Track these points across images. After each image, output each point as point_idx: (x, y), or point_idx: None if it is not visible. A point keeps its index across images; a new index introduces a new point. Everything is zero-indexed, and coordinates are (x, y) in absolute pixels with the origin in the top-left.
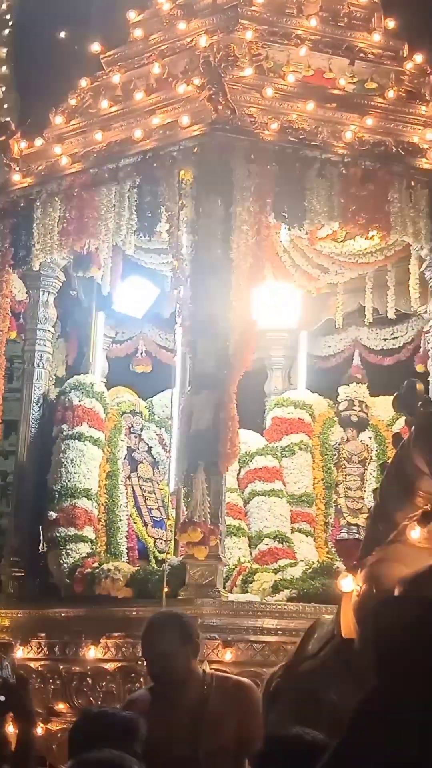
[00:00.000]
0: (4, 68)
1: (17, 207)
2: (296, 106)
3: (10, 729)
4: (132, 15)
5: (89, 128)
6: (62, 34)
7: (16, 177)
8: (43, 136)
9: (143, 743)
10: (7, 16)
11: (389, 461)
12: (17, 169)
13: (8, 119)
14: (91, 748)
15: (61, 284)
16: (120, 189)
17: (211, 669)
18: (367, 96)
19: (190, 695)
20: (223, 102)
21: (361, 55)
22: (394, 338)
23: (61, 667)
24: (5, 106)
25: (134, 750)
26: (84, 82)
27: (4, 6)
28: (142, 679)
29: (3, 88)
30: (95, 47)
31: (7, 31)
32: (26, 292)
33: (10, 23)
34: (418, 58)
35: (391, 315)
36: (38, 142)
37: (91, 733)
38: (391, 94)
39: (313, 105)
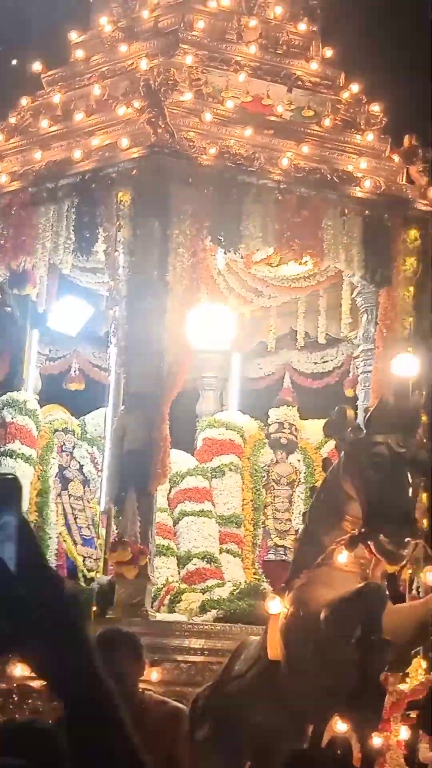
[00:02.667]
0: None
1: None
2: (234, 132)
3: None
4: (74, 36)
5: (29, 147)
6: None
7: None
8: None
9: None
10: None
11: (318, 485)
12: None
13: None
14: None
15: None
16: (58, 208)
17: (142, 689)
18: (303, 123)
19: (130, 712)
20: (163, 125)
21: (299, 83)
22: (324, 362)
23: None
24: None
25: None
26: (24, 101)
27: None
28: None
29: None
30: (36, 66)
31: None
32: None
33: None
34: (354, 87)
35: (321, 339)
36: None
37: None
38: (327, 122)
39: (250, 131)
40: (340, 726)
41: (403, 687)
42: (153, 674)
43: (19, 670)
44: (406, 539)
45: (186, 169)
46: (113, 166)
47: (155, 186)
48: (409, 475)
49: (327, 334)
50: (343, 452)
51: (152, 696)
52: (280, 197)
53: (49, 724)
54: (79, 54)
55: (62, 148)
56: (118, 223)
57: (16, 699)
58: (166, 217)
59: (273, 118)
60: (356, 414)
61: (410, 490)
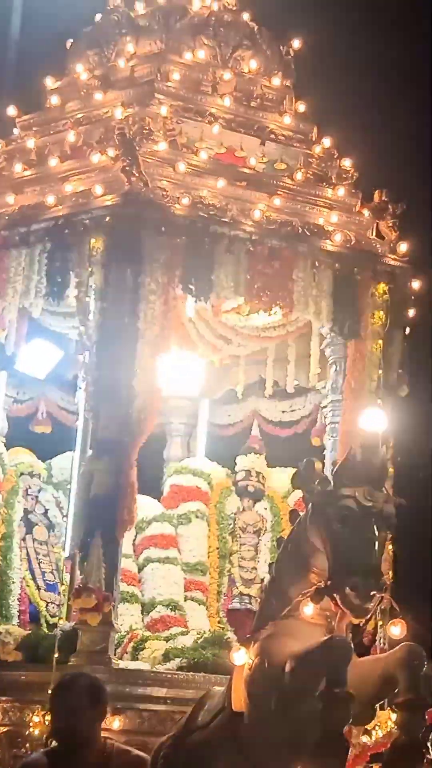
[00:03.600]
0: None
1: None
2: (207, 183)
3: None
4: (49, 82)
5: (2, 191)
6: None
7: None
8: None
9: None
10: None
11: (285, 536)
12: None
13: None
14: None
15: None
16: (30, 252)
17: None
18: (276, 176)
19: (90, 761)
20: (137, 174)
21: (272, 136)
22: (292, 411)
23: None
24: None
25: None
26: None
27: None
28: (27, 745)
29: None
30: (10, 110)
31: None
32: None
33: None
34: (327, 141)
35: (290, 389)
36: None
37: None
38: (299, 175)
39: (223, 182)
40: None
41: (366, 740)
42: (115, 722)
43: None
44: (372, 592)
45: (159, 218)
46: (86, 213)
47: (128, 233)
48: (375, 529)
49: (295, 383)
50: (310, 504)
51: (114, 744)
52: (251, 248)
53: None
54: (55, 100)
55: (35, 193)
56: (90, 269)
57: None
58: (139, 264)
59: (246, 170)
60: (323, 465)
61: (377, 544)
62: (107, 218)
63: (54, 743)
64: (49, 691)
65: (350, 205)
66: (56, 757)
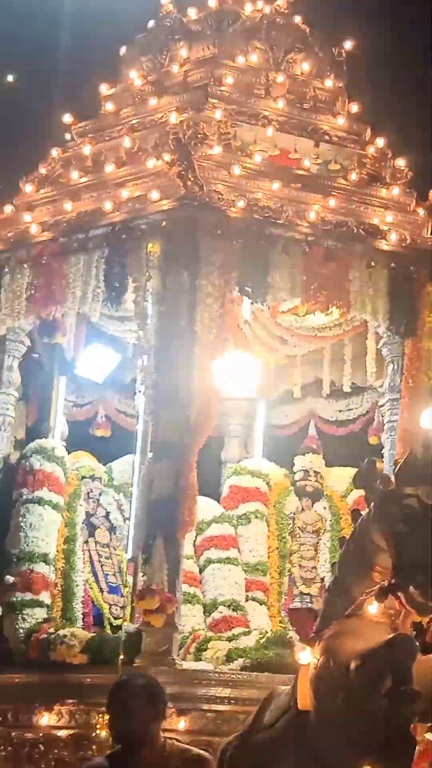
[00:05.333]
0: None
1: None
2: (262, 185)
3: None
4: (104, 89)
5: (59, 197)
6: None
7: None
8: (13, 204)
9: None
10: None
11: (347, 536)
12: None
13: None
14: None
15: (25, 349)
16: (88, 258)
17: (165, 737)
18: (330, 177)
19: (150, 760)
20: (192, 178)
21: (326, 137)
22: (349, 410)
23: (13, 733)
24: None
25: None
26: (55, 152)
27: None
28: (94, 747)
29: None
30: (66, 118)
31: None
32: None
33: None
34: (380, 142)
35: (347, 388)
36: (8, 209)
37: None
38: (353, 176)
39: (278, 184)
40: None
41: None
42: (180, 723)
43: (46, 719)
44: None
45: (215, 221)
46: (143, 218)
47: (184, 237)
48: None
49: (352, 382)
50: (372, 504)
51: (174, 744)
52: (307, 249)
53: None
54: (109, 107)
55: (92, 199)
56: (147, 273)
57: (42, 749)
58: (195, 268)
59: (300, 172)
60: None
61: None
62: (164, 223)
63: (116, 745)
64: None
65: (405, 204)
66: (117, 759)
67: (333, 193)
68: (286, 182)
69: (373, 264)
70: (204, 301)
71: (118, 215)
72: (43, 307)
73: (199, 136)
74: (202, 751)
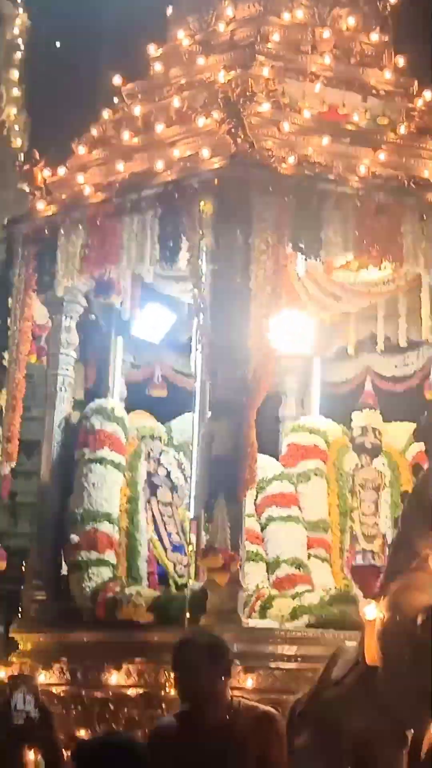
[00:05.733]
0: (15, 90)
1: (41, 234)
2: (312, 141)
3: (31, 758)
4: (152, 49)
5: (111, 159)
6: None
7: (40, 205)
8: (66, 166)
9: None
10: (19, 40)
11: (410, 491)
12: (41, 197)
13: (32, 149)
14: None
15: (82, 310)
16: (142, 219)
17: (233, 695)
18: (379, 131)
19: (217, 718)
20: (242, 136)
21: (373, 91)
22: (405, 365)
23: (83, 692)
24: (16, 128)
25: None
26: (106, 114)
27: (15, 30)
28: (164, 705)
29: (14, 110)
30: (116, 79)
31: (18, 54)
32: (49, 317)
33: (22, 47)
34: (428, 94)
35: (402, 343)
36: (61, 170)
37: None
38: (402, 129)
39: (328, 139)
40: None
41: None
42: (248, 681)
43: (115, 678)
44: None
45: (266, 179)
46: (195, 176)
47: (236, 195)
48: None
49: (407, 337)
50: None
51: (242, 701)
52: (358, 204)
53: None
54: (158, 67)
55: (144, 160)
56: (200, 232)
57: (112, 708)
58: (248, 225)
59: (349, 127)
60: None
61: None
62: (215, 181)
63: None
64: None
65: None
66: (186, 717)
67: (382, 146)
68: (336, 137)
69: (425, 217)
70: (257, 258)
71: (170, 175)
72: (98, 267)
73: (247, 93)
74: (269, 708)
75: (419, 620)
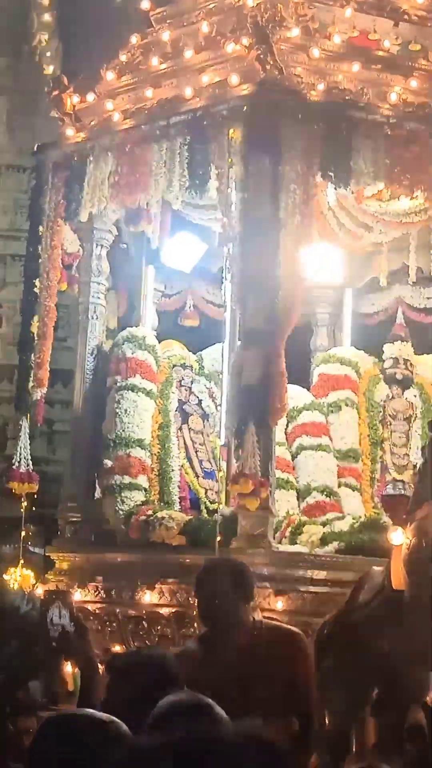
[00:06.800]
0: (46, 16)
1: (70, 161)
2: (342, 67)
3: (68, 669)
4: None
5: (140, 85)
6: None
7: (69, 131)
8: (95, 92)
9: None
10: None
11: None
12: (70, 123)
13: (61, 74)
14: (134, 695)
15: (113, 238)
16: (171, 146)
17: (262, 617)
18: (411, 58)
19: (240, 640)
20: (271, 62)
21: (405, 17)
22: None
23: (118, 610)
24: (47, 54)
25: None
26: (134, 39)
27: None
28: (196, 624)
29: (45, 35)
30: (144, 4)
31: None
32: (80, 245)
33: None
34: None
35: None
36: (90, 97)
37: (133, 679)
38: None
39: (358, 66)
40: None
41: None
42: (278, 603)
43: (148, 597)
44: None
45: (295, 106)
46: (224, 103)
47: (265, 122)
48: None
49: None
50: None
51: (264, 623)
52: (389, 132)
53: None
54: None
55: (173, 86)
56: (229, 160)
57: (145, 625)
58: (277, 153)
59: (380, 53)
60: None
61: None
62: (244, 107)
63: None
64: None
65: None
66: (207, 641)
67: (414, 74)
68: (366, 64)
69: None
70: (287, 187)
71: (199, 101)
72: (127, 194)
73: (276, 18)
74: (293, 628)
75: None
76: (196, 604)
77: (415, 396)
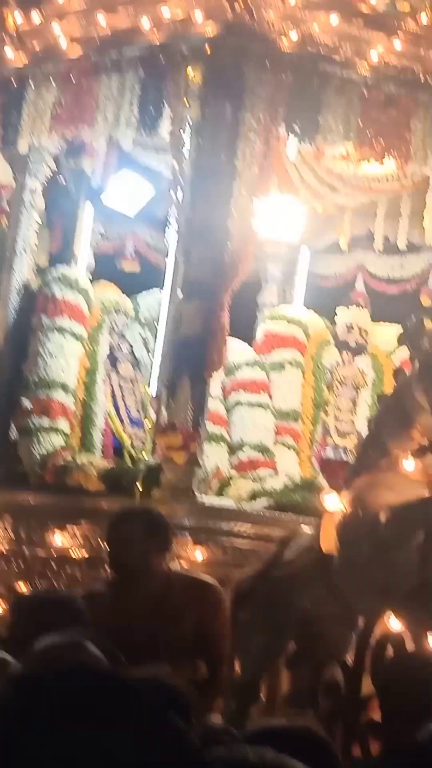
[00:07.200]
0: None
1: (8, 85)
2: (319, 18)
3: None
4: None
5: (92, 9)
6: None
7: (9, 53)
8: (42, 12)
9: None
10: None
11: (386, 394)
12: (11, 44)
13: None
14: (38, 635)
15: (51, 173)
16: (121, 80)
17: (179, 567)
18: (398, 17)
19: (151, 588)
20: (242, 3)
21: None
22: (402, 268)
23: (26, 550)
24: None
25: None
26: None
27: None
28: (107, 568)
29: None
30: None
31: None
32: (12, 177)
33: None
34: None
35: (402, 245)
36: (36, 17)
37: (38, 619)
38: (424, 18)
39: (337, 18)
40: (393, 624)
41: None
42: (197, 553)
43: (59, 539)
44: None
45: (264, 52)
46: (184, 41)
47: (229, 66)
48: None
49: (408, 240)
50: (417, 362)
51: (178, 572)
52: (366, 93)
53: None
54: None
55: (129, 15)
56: (185, 101)
57: (54, 567)
58: (239, 99)
59: (363, 8)
60: None
61: None
62: (207, 48)
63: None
64: None
65: None
66: (116, 586)
67: (399, 34)
68: (347, 17)
69: None
70: (247, 135)
71: (157, 36)
72: (69, 127)
73: None
74: (206, 578)
75: (383, 518)
76: (106, 552)
77: (367, 365)
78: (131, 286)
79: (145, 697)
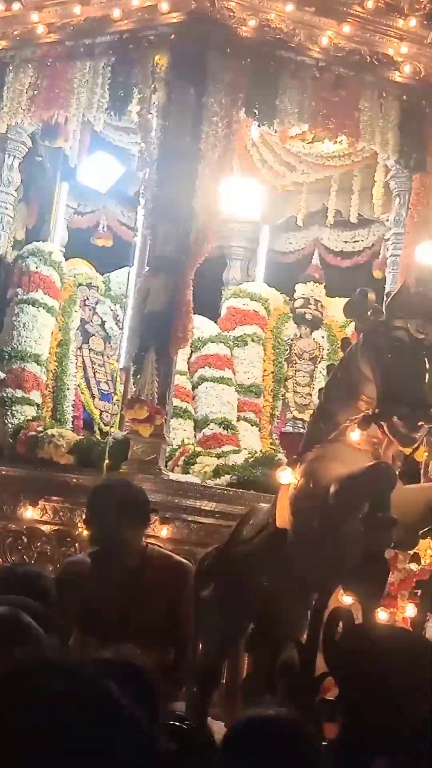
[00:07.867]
0: None
1: None
2: (276, 6)
3: None
4: None
5: (69, 0)
6: None
7: None
8: (21, 1)
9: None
10: None
11: (336, 364)
12: None
13: None
14: None
15: (27, 150)
16: (94, 65)
17: (148, 543)
18: (346, 3)
19: (128, 564)
20: None
21: None
22: (354, 241)
23: None
24: None
25: (36, 605)
26: None
27: None
28: (77, 544)
29: None
30: None
31: None
32: None
33: None
34: None
35: (353, 219)
36: (16, 6)
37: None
38: (370, 4)
39: (292, 6)
40: (345, 598)
41: (414, 566)
42: (163, 531)
43: (30, 513)
44: (420, 423)
45: (225, 39)
46: (151, 29)
47: (192, 52)
48: (426, 362)
49: (359, 214)
50: (361, 334)
51: (156, 549)
52: (317, 75)
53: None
54: None
55: (102, 5)
56: (153, 85)
57: (25, 541)
58: (202, 85)
59: None
60: (383, 297)
61: (426, 376)
62: (172, 35)
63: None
64: None
65: (421, 36)
66: (98, 558)
67: (348, 19)
68: (300, 5)
69: (384, 95)
70: (210, 118)
71: (126, 24)
72: (45, 108)
73: None
74: (182, 559)
75: (332, 489)
76: (84, 524)
77: (323, 338)
78: (105, 262)
79: (77, 673)
